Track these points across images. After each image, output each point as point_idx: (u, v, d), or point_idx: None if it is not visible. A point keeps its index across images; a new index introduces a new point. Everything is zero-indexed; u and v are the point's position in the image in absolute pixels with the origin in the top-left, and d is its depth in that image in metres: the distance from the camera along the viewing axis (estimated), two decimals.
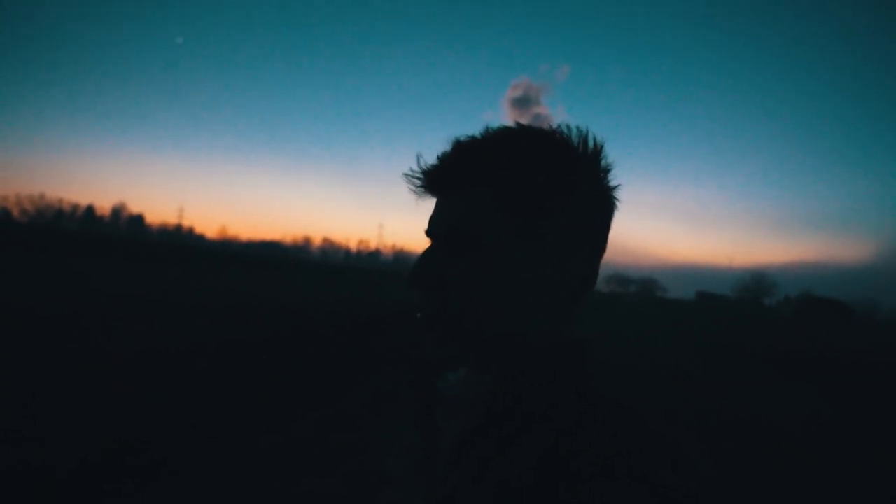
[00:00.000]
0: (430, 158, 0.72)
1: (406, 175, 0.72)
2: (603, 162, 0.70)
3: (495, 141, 0.69)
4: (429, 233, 0.72)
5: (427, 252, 0.70)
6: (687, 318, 31.66)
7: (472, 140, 0.70)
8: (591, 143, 0.69)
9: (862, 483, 4.88)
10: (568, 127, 0.69)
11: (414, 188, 0.73)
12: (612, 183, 0.71)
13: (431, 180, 0.71)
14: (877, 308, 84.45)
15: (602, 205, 0.70)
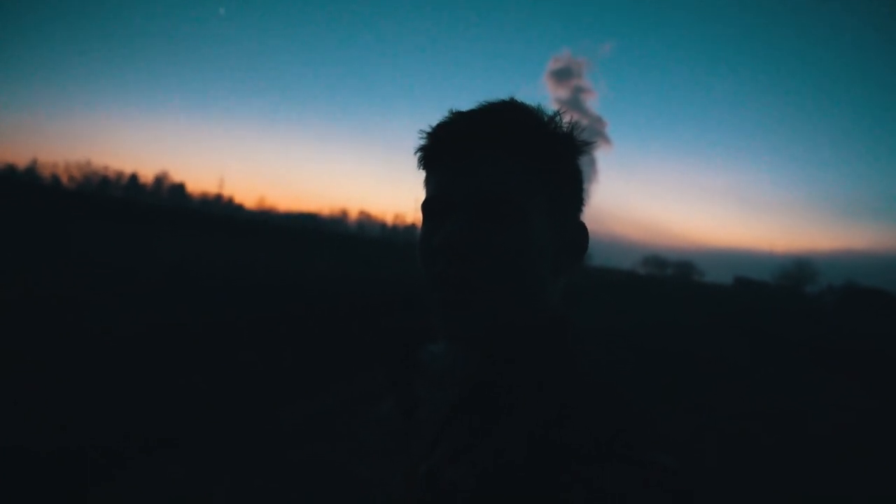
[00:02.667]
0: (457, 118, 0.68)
1: (433, 131, 0.68)
2: (582, 142, 0.71)
3: (524, 111, 0.67)
4: (452, 196, 0.66)
5: (460, 219, 0.64)
6: (724, 304, 31.07)
7: (493, 107, 0.67)
8: (568, 122, 0.69)
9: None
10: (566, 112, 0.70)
11: (429, 147, 0.68)
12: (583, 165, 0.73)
13: (455, 141, 0.66)
14: None
15: (583, 183, 0.72)
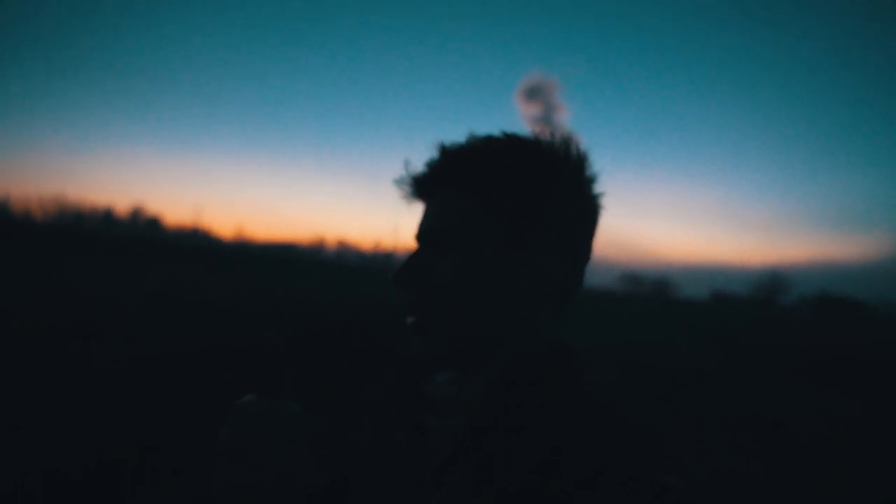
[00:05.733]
0: (421, 162, 0.74)
1: (395, 181, 0.75)
2: (587, 171, 0.71)
3: (480, 147, 0.70)
4: (416, 237, 0.73)
5: (413, 253, 0.71)
6: (701, 319, 31.40)
7: (457, 146, 0.71)
8: (575, 152, 0.70)
9: (877, 483, 4.88)
10: (553, 135, 0.70)
11: (403, 194, 0.75)
12: (597, 191, 0.72)
13: (418, 185, 0.73)
14: (894, 307, 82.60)
15: (586, 213, 0.72)
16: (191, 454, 3.92)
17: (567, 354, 0.70)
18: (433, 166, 0.72)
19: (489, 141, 0.71)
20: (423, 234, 0.72)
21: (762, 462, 5.03)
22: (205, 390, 5.57)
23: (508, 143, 0.70)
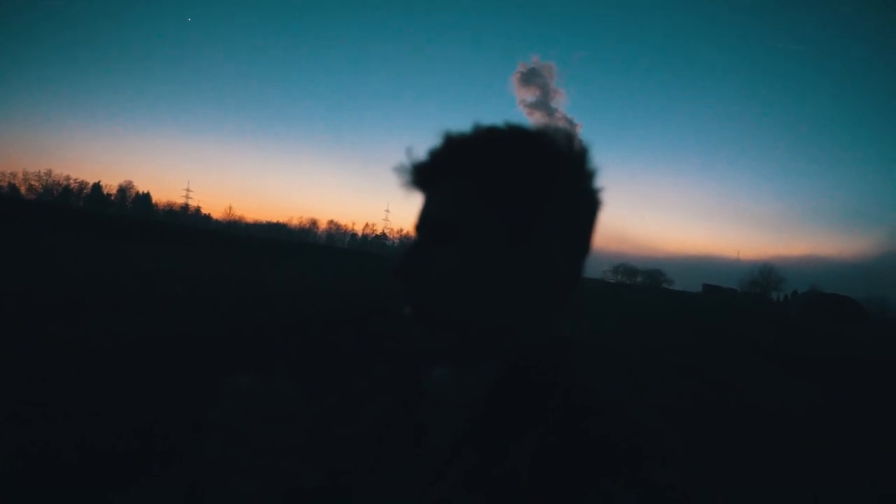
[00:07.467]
0: (423, 150, 0.72)
1: (396, 169, 0.72)
2: (588, 165, 0.70)
3: (483, 137, 0.69)
4: (416, 227, 0.72)
5: (413, 244, 0.70)
6: (693, 311, 31.55)
7: (460, 136, 0.70)
8: (576, 146, 0.69)
9: (863, 478, 4.81)
10: (555, 128, 0.69)
11: (404, 182, 0.73)
12: (597, 185, 0.71)
13: (420, 174, 0.71)
14: (886, 305, 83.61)
15: (587, 207, 0.71)
16: (182, 438, 3.72)
17: (567, 346, 0.70)
18: (436, 155, 0.70)
19: (493, 132, 0.69)
20: (424, 223, 0.70)
21: (756, 457, 4.96)
22: (194, 374, 5.36)
23: (512, 135, 0.69)
